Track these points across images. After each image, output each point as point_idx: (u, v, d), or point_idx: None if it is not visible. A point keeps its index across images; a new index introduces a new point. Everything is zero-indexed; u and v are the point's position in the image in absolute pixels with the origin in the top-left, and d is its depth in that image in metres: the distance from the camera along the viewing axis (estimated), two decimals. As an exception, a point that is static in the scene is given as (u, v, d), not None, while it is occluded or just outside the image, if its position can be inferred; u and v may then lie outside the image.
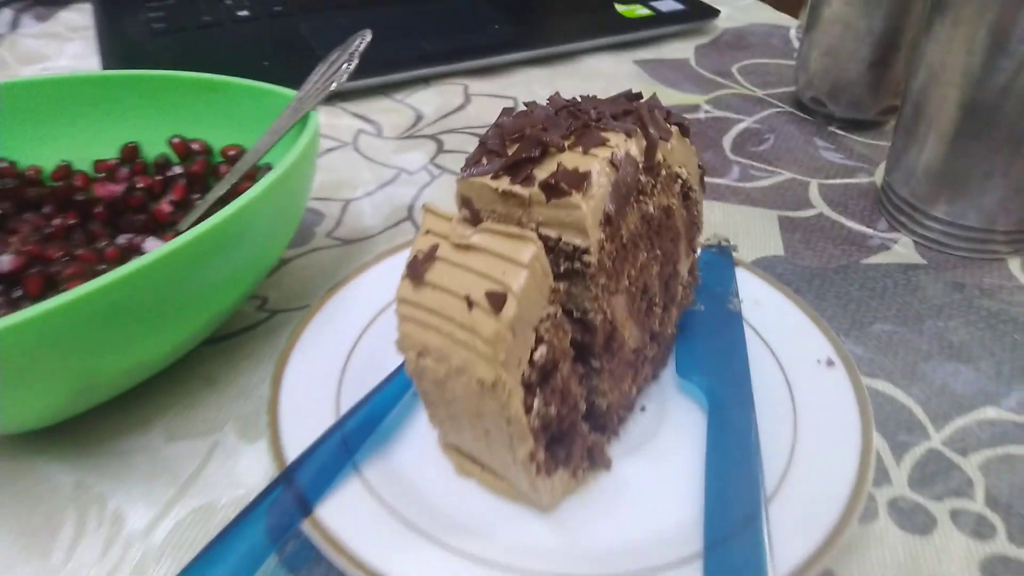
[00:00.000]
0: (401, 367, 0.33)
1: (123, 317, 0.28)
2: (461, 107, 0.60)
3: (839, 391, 0.32)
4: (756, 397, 0.32)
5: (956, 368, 0.36)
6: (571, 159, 0.25)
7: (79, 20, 0.77)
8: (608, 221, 0.25)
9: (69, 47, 0.72)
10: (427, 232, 0.26)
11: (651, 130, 0.27)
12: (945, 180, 0.42)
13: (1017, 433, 0.33)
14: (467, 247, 0.24)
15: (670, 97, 0.61)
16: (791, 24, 0.75)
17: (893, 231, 0.46)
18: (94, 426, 0.33)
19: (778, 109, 0.59)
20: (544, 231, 0.25)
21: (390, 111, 0.59)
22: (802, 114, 0.58)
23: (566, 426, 0.28)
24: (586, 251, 0.25)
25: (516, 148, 0.25)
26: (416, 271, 0.25)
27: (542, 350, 0.25)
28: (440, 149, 0.54)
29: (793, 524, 0.27)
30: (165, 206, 0.40)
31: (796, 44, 0.69)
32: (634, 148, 0.26)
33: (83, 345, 0.27)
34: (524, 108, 0.28)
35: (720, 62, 0.66)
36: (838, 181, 0.50)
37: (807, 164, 0.52)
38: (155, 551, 0.29)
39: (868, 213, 0.47)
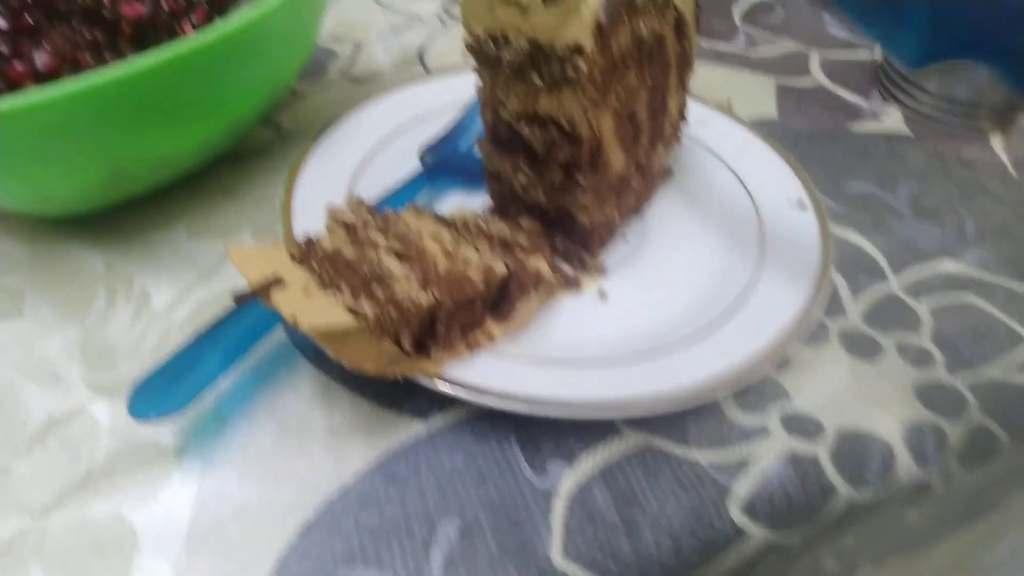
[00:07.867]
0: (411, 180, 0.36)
1: (146, 107, 0.30)
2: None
3: (805, 229, 0.34)
4: (729, 231, 0.35)
5: (922, 225, 0.39)
6: (569, -29, 0.27)
7: None
8: (600, 31, 0.27)
9: None
10: None
11: (647, -49, 0.28)
12: (940, 52, 0.43)
13: (970, 284, 0.36)
14: None
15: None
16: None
17: (885, 104, 0.47)
18: (122, 221, 0.37)
19: (792, -16, 0.59)
20: (539, 38, 0.27)
21: (405, -36, 0.60)
22: (815, -9, 0.58)
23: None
24: (579, 51, 0.27)
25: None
26: None
27: None
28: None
29: (745, 334, 0.30)
30: (187, 28, 0.42)
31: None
32: (630, -34, 0.28)
33: (110, 129, 0.30)
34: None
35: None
36: (839, 54, 0.52)
37: (812, 36, 0.53)
38: (177, 324, 0.32)
39: (863, 86, 0.49)
